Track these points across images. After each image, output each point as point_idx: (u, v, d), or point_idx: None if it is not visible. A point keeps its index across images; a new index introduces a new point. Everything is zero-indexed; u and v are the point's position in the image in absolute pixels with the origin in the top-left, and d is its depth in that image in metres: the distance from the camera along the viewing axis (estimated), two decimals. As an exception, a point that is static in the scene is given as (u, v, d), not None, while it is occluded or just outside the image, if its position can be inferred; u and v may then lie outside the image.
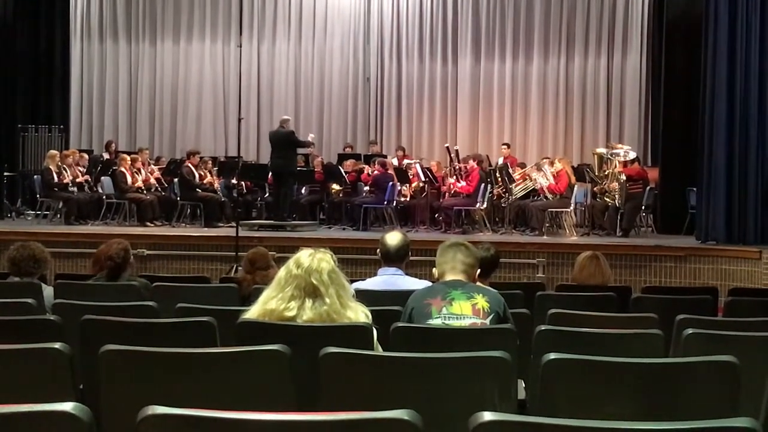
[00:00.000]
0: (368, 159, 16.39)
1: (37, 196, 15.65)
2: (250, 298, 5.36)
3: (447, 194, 14.96)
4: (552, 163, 14.61)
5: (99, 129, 19.75)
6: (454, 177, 14.92)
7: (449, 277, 4.57)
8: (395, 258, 5.75)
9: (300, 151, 15.38)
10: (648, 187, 14.17)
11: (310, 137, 15.69)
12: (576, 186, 14.34)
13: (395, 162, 16.15)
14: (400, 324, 4.22)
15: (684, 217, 14.05)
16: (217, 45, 19.64)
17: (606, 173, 14.02)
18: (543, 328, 4.31)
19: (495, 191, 14.80)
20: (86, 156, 16.34)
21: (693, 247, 12.27)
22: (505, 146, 17.13)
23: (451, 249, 4.65)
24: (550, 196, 14.13)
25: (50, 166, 14.84)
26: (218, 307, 4.90)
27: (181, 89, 19.76)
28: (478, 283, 4.75)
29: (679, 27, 14.70)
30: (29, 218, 15.89)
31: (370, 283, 5.72)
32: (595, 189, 14.27)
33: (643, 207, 14.17)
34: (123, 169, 15.08)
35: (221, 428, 2.23)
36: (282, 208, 14.49)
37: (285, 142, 14.41)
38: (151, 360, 3.27)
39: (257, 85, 19.59)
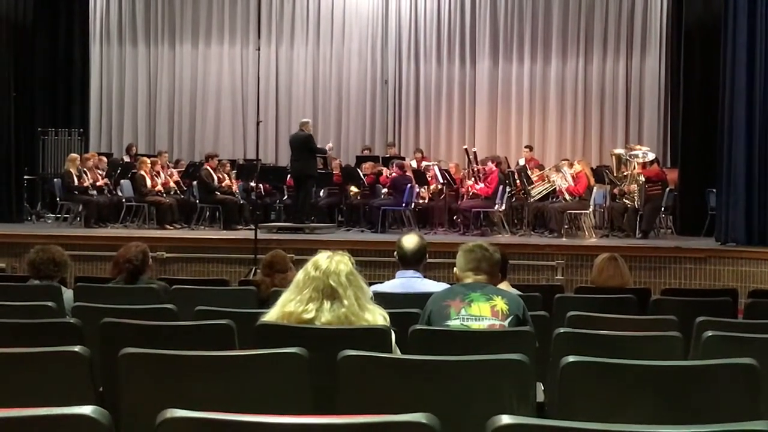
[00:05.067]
0: (386, 161, 16.37)
1: (57, 199, 15.73)
2: (268, 301, 5.37)
3: (465, 196, 14.89)
4: (571, 165, 14.58)
5: (118, 132, 19.84)
6: (473, 179, 14.88)
7: (470, 279, 4.57)
8: (412, 261, 5.72)
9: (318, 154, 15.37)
10: (667, 189, 14.12)
11: (328, 146, 15.68)
12: (595, 188, 14.29)
13: (413, 164, 16.14)
14: (418, 326, 4.21)
15: (703, 218, 13.97)
16: (235, 48, 19.70)
17: (625, 175, 13.99)
18: (562, 331, 4.30)
19: (516, 188, 14.81)
20: (105, 159, 16.41)
21: (713, 249, 12.17)
22: (527, 149, 17.02)
23: (472, 251, 4.65)
24: (569, 197, 14.08)
25: (70, 170, 14.91)
26: (237, 310, 4.89)
27: (199, 92, 19.82)
28: (499, 286, 4.74)
29: (698, 28, 14.62)
30: (49, 221, 15.99)
31: (388, 286, 5.71)
32: (614, 190, 14.24)
33: (662, 208, 14.11)
34: (142, 173, 15.14)
35: (239, 431, 2.23)
36: (301, 210, 14.50)
37: (302, 145, 14.42)
38: (170, 363, 3.28)
39: (275, 88, 19.62)
